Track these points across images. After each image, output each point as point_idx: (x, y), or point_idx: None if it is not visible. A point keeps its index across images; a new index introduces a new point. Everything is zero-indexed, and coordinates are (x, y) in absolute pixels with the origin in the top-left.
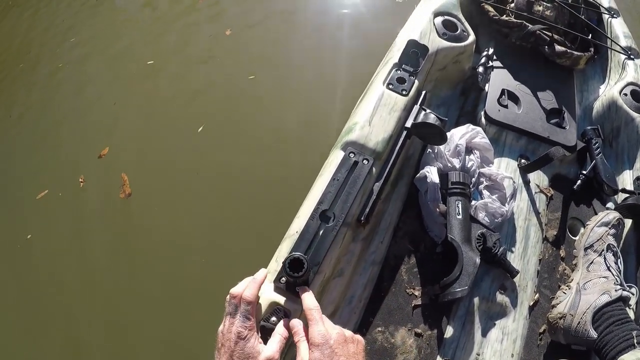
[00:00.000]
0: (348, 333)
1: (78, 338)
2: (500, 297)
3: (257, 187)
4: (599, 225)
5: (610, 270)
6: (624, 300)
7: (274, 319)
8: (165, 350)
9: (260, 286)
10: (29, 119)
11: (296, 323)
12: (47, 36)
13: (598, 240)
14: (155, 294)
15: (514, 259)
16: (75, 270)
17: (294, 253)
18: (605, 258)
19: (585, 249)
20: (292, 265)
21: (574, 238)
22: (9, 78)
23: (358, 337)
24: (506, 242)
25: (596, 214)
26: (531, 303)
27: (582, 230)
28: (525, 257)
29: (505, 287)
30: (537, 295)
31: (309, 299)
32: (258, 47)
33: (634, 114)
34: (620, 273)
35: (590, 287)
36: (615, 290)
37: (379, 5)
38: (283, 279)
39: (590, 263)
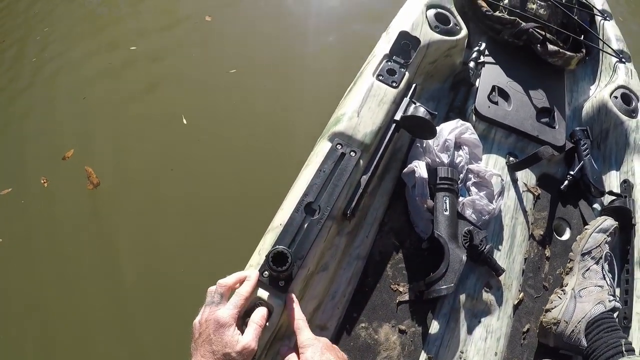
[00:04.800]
0: (335, 346)
1: (54, 338)
2: (485, 295)
3: (238, 178)
4: (598, 231)
5: (605, 280)
6: (614, 310)
7: None
8: (141, 346)
9: (255, 288)
10: None
11: (283, 348)
12: (19, 25)
13: (596, 247)
14: (133, 286)
15: (500, 257)
16: (50, 271)
17: (277, 247)
18: (602, 267)
19: (583, 254)
20: (275, 259)
21: (559, 238)
22: None
23: (343, 353)
24: (492, 240)
25: (582, 215)
26: (515, 302)
27: (580, 234)
28: (511, 255)
29: (491, 286)
30: (522, 294)
31: (295, 310)
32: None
33: (624, 117)
34: (614, 283)
35: (586, 295)
36: (609, 301)
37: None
38: (266, 272)
39: (587, 270)
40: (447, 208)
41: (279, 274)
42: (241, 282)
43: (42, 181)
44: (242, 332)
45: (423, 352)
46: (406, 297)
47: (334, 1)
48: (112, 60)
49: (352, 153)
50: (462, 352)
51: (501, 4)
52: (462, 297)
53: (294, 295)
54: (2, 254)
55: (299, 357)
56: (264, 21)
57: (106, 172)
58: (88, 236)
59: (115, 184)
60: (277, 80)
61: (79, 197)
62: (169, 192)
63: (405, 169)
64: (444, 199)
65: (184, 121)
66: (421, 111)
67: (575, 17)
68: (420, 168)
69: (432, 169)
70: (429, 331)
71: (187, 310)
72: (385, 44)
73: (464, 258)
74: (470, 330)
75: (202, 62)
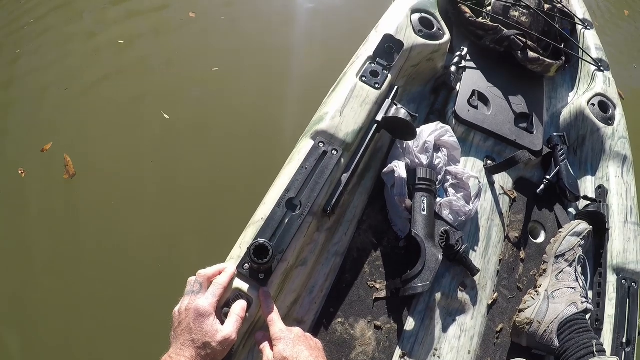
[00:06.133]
0: (307, 334)
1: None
2: (460, 295)
3: (220, 172)
4: (572, 234)
5: (578, 282)
6: (586, 311)
7: None
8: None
9: (232, 279)
10: None
11: (258, 334)
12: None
13: (570, 250)
14: (104, 277)
15: (476, 257)
16: (25, 262)
17: (259, 239)
18: (575, 269)
19: (557, 256)
20: (256, 251)
21: (534, 241)
22: None
23: (317, 340)
24: (468, 240)
25: (557, 219)
26: (490, 302)
27: (555, 237)
28: (486, 256)
29: (466, 285)
30: (496, 294)
31: (266, 304)
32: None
33: (600, 124)
34: (586, 285)
35: (559, 296)
36: (582, 303)
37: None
38: (247, 265)
39: (560, 272)
40: (425, 208)
41: (260, 266)
42: (220, 273)
43: (20, 171)
44: (221, 321)
45: (398, 348)
46: (382, 294)
47: (316, 3)
48: (96, 53)
49: (333, 151)
50: (436, 350)
51: (484, 10)
52: (438, 295)
53: (266, 289)
54: None
55: (272, 349)
56: (247, 21)
57: (84, 164)
58: (60, 226)
59: (92, 176)
60: (260, 80)
61: (55, 187)
62: (148, 186)
63: (385, 169)
64: (422, 199)
65: (165, 116)
66: (402, 113)
67: (557, 26)
68: (399, 168)
69: (411, 170)
70: (404, 328)
71: (166, 302)
72: (369, 46)
73: (440, 257)
74: (444, 328)
75: (185, 58)
